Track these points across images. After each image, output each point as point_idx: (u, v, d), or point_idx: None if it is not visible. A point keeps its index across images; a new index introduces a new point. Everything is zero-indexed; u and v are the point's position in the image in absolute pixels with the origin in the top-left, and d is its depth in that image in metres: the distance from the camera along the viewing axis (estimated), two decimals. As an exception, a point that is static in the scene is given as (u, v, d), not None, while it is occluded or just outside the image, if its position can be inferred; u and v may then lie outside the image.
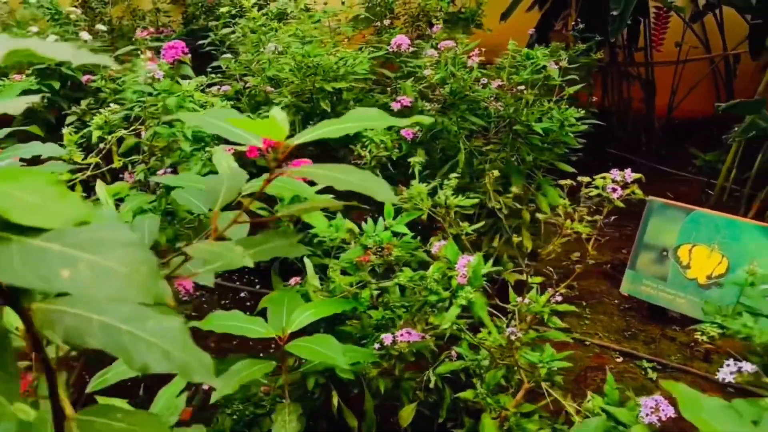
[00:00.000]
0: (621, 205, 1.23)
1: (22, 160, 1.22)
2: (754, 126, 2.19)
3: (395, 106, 1.92)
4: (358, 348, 1.18)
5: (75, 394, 0.95)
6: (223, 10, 2.54)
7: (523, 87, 1.81)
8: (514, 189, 1.24)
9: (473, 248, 1.91)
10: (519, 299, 1.28)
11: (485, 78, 1.97)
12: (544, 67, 1.78)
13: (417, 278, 1.09)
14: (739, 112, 2.26)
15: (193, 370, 0.44)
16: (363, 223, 1.23)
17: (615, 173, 1.27)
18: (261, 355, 1.87)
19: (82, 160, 1.76)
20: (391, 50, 2.02)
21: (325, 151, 1.99)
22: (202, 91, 1.90)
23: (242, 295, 2.23)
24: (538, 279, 1.29)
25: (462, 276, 1.00)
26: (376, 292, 1.33)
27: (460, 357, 1.39)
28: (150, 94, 1.60)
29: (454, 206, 1.13)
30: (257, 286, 2.26)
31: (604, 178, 1.27)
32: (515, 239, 1.18)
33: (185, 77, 1.79)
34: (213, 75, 2.08)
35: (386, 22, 2.73)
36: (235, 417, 1.45)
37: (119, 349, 0.42)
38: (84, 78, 2.54)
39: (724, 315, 1.02)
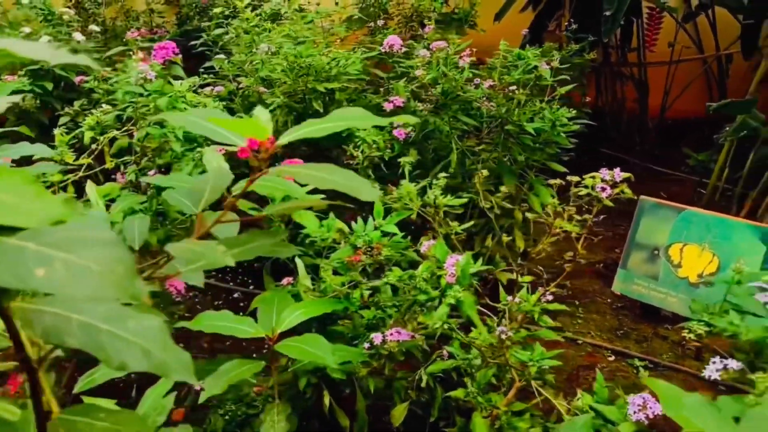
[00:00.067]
0: (610, 204, 1.24)
1: (12, 161, 1.22)
2: (745, 125, 2.20)
3: (388, 107, 1.92)
4: (348, 347, 1.18)
5: (68, 395, 0.95)
6: (217, 10, 2.54)
7: (514, 87, 1.82)
8: (503, 189, 1.25)
9: (465, 248, 1.92)
10: (509, 298, 1.29)
11: (477, 78, 1.98)
12: (536, 67, 1.79)
13: (406, 278, 1.09)
14: (730, 111, 2.27)
15: (172, 369, 0.45)
16: (353, 223, 1.23)
17: (604, 172, 1.28)
18: (254, 355, 1.87)
19: (74, 161, 1.75)
20: (383, 51, 2.02)
21: (318, 152, 1.99)
22: (195, 91, 1.90)
23: (235, 295, 2.23)
24: (528, 278, 1.29)
25: (450, 275, 1.01)
26: (367, 292, 1.33)
27: (451, 356, 1.40)
28: (141, 95, 1.60)
29: (443, 206, 1.13)
30: (251, 287, 2.26)
31: (593, 177, 1.28)
32: (505, 238, 1.18)
33: (177, 78, 1.79)
34: (205, 76, 2.08)
35: (380, 22, 2.73)
36: (227, 417, 1.45)
37: (97, 347, 0.42)
38: (77, 79, 2.54)
39: (711, 313, 1.03)
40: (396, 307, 1.20)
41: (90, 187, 1.35)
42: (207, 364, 1.06)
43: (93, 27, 2.97)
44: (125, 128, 1.90)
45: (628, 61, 3.37)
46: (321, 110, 1.88)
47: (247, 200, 1.18)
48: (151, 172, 1.59)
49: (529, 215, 1.22)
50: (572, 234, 1.24)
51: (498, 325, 1.25)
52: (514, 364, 1.30)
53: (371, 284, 1.22)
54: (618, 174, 1.28)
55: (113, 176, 1.94)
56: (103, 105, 1.91)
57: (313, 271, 1.44)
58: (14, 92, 2.32)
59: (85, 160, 1.82)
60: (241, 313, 1.17)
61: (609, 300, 2.16)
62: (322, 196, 1.14)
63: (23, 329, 0.46)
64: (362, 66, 2.00)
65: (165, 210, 1.48)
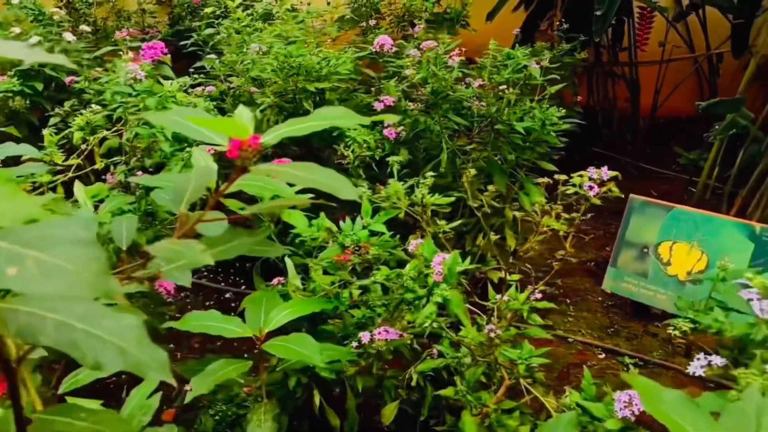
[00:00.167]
0: (597, 202, 1.25)
1: (0, 161, 1.22)
2: (734, 124, 2.21)
3: (378, 106, 1.92)
4: (337, 346, 1.18)
5: (56, 396, 0.95)
6: (208, 10, 2.54)
7: (504, 87, 1.83)
8: (491, 188, 1.25)
9: (456, 247, 1.92)
10: (498, 297, 1.29)
11: (468, 78, 1.98)
12: (525, 66, 1.79)
13: (394, 276, 1.09)
14: (719, 110, 2.29)
15: (148, 367, 0.45)
16: (342, 222, 1.23)
17: (592, 171, 1.29)
18: (245, 355, 1.87)
19: (63, 161, 1.75)
20: (374, 50, 2.02)
21: (309, 151, 1.99)
22: (186, 91, 1.90)
23: (227, 295, 2.23)
24: (516, 276, 1.30)
25: (437, 273, 1.01)
26: (357, 291, 1.33)
27: (441, 355, 1.40)
28: (130, 95, 1.60)
29: (431, 205, 1.13)
30: (242, 287, 2.26)
31: (581, 175, 1.28)
32: (493, 237, 1.18)
33: (167, 78, 1.79)
34: (196, 75, 2.07)
35: (372, 22, 2.74)
36: (217, 417, 1.45)
37: (71, 346, 0.42)
38: (67, 79, 2.53)
39: (696, 310, 1.04)
40: (385, 306, 1.20)
41: (78, 188, 1.34)
42: (195, 364, 1.06)
43: (84, 27, 2.96)
44: (115, 128, 1.90)
45: (620, 61, 3.39)
46: (311, 110, 1.88)
47: (238, 200, 1.18)
48: (139, 172, 1.58)
49: (517, 214, 1.23)
50: (560, 232, 1.24)
51: (487, 324, 1.26)
52: (504, 362, 1.30)
53: (360, 283, 1.22)
54: (605, 172, 1.29)
55: (103, 177, 1.93)
56: (93, 105, 1.90)
57: (304, 271, 1.44)
58: (3, 92, 2.31)
59: (74, 161, 1.81)
60: (232, 314, 1.17)
61: (600, 298, 2.17)
62: (311, 195, 1.15)
63: (-1, 329, 0.46)
64: (353, 66, 2.00)
65: (154, 210, 1.48)
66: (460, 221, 1.26)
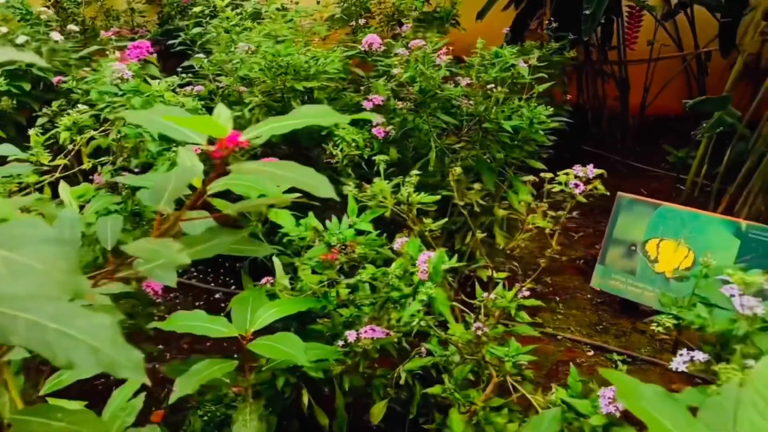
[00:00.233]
0: (583, 200, 1.25)
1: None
2: (721, 122, 2.23)
3: (367, 105, 1.92)
4: (324, 345, 1.18)
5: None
6: (196, 9, 2.52)
7: (492, 85, 1.83)
8: (477, 186, 1.26)
9: (446, 245, 1.93)
10: (485, 295, 1.30)
11: (458, 76, 1.99)
12: (513, 65, 1.80)
13: (380, 275, 1.09)
14: (706, 108, 2.30)
15: (122, 366, 0.44)
16: (328, 222, 1.23)
17: (577, 169, 1.29)
18: (235, 356, 1.86)
19: (50, 161, 1.74)
20: (363, 49, 2.02)
21: (298, 151, 1.99)
22: (174, 91, 1.89)
23: (217, 296, 2.22)
24: (503, 274, 1.30)
25: (423, 272, 1.01)
26: (346, 290, 1.33)
27: (429, 353, 1.40)
28: (116, 95, 1.59)
29: (417, 203, 1.14)
30: (232, 287, 2.26)
31: (567, 173, 1.29)
32: (480, 235, 1.19)
33: (153, 77, 1.78)
34: (184, 75, 2.07)
35: (361, 21, 2.73)
36: (205, 418, 1.45)
37: (43, 346, 0.42)
38: (55, 79, 2.51)
39: (680, 306, 1.04)
40: (372, 305, 1.20)
41: (63, 188, 1.33)
42: (180, 365, 1.06)
43: (72, 27, 2.94)
44: (103, 128, 1.89)
45: (609, 60, 3.40)
46: (300, 109, 1.88)
47: (227, 200, 1.18)
48: (126, 173, 1.58)
49: (501, 211, 1.23)
50: (546, 230, 1.25)
51: (474, 322, 1.26)
52: (491, 360, 1.31)
53: (347, 282, 1.22)
54: (591, 170, 1.29)
55: (91, 177, 1.92)
56: (80, 105, 1.89)
57: (294, 270, 1.44)
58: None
59: (61, 161, 1.80)
60: (221, 314, 1.17)
61: (589, 296, 2.19)
62: (298, 195, 1.14)
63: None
64: (342, 65, 2.00)
65: (141, 210, 1.47)
66: (445, 220, 1.26)
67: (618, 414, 1.03)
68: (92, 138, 1.85)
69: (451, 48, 1.85)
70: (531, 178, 1.24)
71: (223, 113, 0.64)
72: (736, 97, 2.53)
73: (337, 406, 1.43)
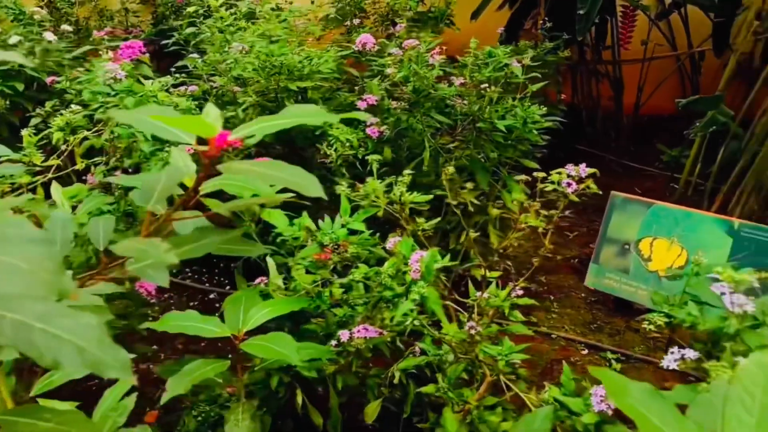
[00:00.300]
0: (575, 199, 1.25)
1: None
2: (714, 121, 2.24)
3: (361, 105, 1.92)
4: (317, 345, 1.18)
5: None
6: (190, 9, 2.52)
7: (486, 85, 1.83)
8: (469, 185, 1.26)
9: (441, 245, 1.93)
10: (478, 294, 1.30)
11: (452, 76, 1.99)
12: (507, 65, 1.80)
13: (372, 274, 1.09)
14: (699, 107, 2.31)
15: (108, 366, 0.44)
16: (320, 221, 1.23)
17: (570, 168, 1.30)
18: (230, 356, 1.86)
19: (43, 162, 1.73)
20: (357, 49, 2.02)
21: (293, 151, 1.99)
22: (167, 91, 1.89)
23: (211, 296, 2.22)
24: (496, 273, 1.31)
25: (415, 271, 1.01)
26: (340, 290, 1.33)
27: (423, 352, 1.41)
28: (109, 95, 1.59)
29: (409, 203, 1.14)
30: (227, 287, 2.25)
31: (559, 173, 1.29)
32: (472, 234, 1.19)
33: (147, 78, 1.77)
34: (177, 75, 2.06)
35: (356, 21, 2.74)
36: (200, 419, 1.44)
37: (29, 345, 0.42)
38: (48, 79, 2.50)
39: (671, 305, 1.05)
40: (365, 305, 1.20)
41: (55, 188, 1.33)
42: (173, 365, 1.06)
43: (65, 27, 2.93)
44: (96, 129, 1.88)
45: (603, 59, 3.42)
46: (294, 109, 1.88)
47: (221, 200, 1.18)
48: (117, 172, 1.57)
49: (496, 211, 1.23)
50: (539, 229, 1.25)
51: (468, 321, 1.27)
52: (485, 359, 1.31)
53: (340, 281, 1.22)
54: (583, 170, 1.30)
55: (84, 177, 1.92)
56: (73, 106, 1.88)
57: (288, 270, 1.44)
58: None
59: (54, 161, 1.80)
60: (216, 314, 1.17)
61: (583, 294, 2.19)
62: (291, 195, 1.14)
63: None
64: (336, 65, 2.00)
65: (134, 210, 1.47)
66: (438, 219, 1.26)
67: (610, 412, 1.03)
68: (85, 138, 1.85)
69: (445, 48, 1.85)
70: (524, 177, 1.24)
71: (212, 113, 0.64)
72: (729, 96, 2.54)
73: (331, 406, 1.43)
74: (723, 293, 0.95)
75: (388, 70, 1.79)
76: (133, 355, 0.97)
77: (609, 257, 2.02)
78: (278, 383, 1.35)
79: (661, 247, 1.89)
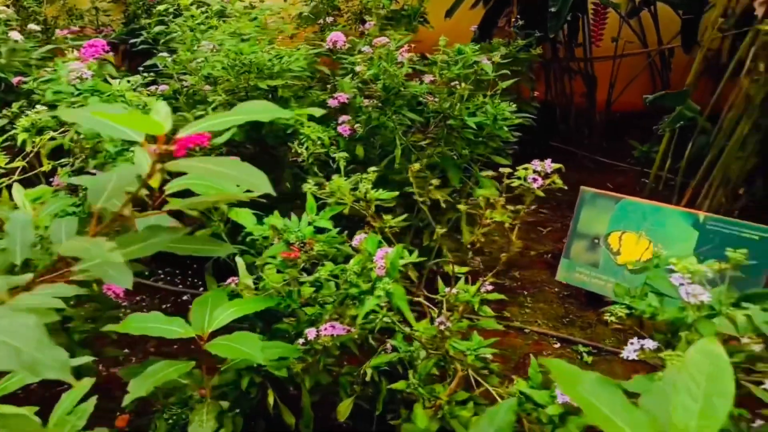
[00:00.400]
0: (541, 194, 1.27)
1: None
2: (681, 116, 2.29)
3: (332, 103, 1.92)
4: (284, 344, 1.18)
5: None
6: (160, 8, 2.49)
7: (456, 82, 1.84)
8: (435, 182, 1.26)
9: (414, 242, 1.94)
10: (447, 289, 1.31)
11: (424, 74, 2.00)
12: (476, 62, 1.82)
13: (338, 272, 1.09)
14: (666, 103, 2.35)
15: (46, 366, 0.44)
16: (287, 220, 1.23)
17: (536, 164, 1.31)
18: (200, 358, 1.84)
19: (6, 164, 1.70)
20: (328, 47, 2.02)
21: (263, 150, 1.98)
22: (136, 90, 1.86)
23: (184, 298, 2.20)
24: (465, 269, 1.31)
25: (380, 268, 1.02)
26: (311, 289, 1.33)
27: (395, 349, 1.41)
28: (73, 95, 1.56)
29: (374, 200, 1.14)
30: (200, 289, 2.23)
31: (525, 168, 1.31)
32: (439, 231, 1.20)
33: (113, 77, 1.75)
34: (146, 74, 2.04)
35: (329, 19, 2.73)
36: (170, 421, 1.43)
37: (-41, 348, 0.41)
38: (15, 80, 2.45)
39: (632, 296, 1.07)
40: (334, 303, 1.20)
41: (16, 190, 1.30)
42: (137, 367, 1.04)
43: (32, 26, 2.87)
44: (63, 129, 1.85)
45: (576, 57, 3.46)
46: (265, 108, 1.86)
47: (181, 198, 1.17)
48: (80, 174, 1.55)
49: (464, 207, 1.24)
50: (505, 225, 1.26)
51: (438, 317, 1.27)
52: (455, 354, 1.32)
53: (306, 279, 1.22)
54: (549, 165, 1.31)
55: (51, 179, 1.88)
56: (38, 106, 1.85)
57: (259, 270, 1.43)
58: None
59: (19, 163, 1.76)
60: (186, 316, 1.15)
61: (556, 289, 2.22)
62: (259, 193, 1.14)
63: None
64: (306, 63, 1.99)
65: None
66: (405, 216, 1.27)
67: (575, 403, 1.05)
68: (52, 139, 1.82)
69: (413, 45, 1.86)
70: (489, 173, 1.25)
71: (162, 110, 0.63)
72: (698, 92, 2.59)
73: (304, 405, 1.42)
74: (681, 284, 0.97)
75: (358, 68, 1.79)
76: (94, 358, 0.95)
77: (579, 252, 2.05)
78: (249, 384, 1.34)
79: (629, 241, 1.92)
